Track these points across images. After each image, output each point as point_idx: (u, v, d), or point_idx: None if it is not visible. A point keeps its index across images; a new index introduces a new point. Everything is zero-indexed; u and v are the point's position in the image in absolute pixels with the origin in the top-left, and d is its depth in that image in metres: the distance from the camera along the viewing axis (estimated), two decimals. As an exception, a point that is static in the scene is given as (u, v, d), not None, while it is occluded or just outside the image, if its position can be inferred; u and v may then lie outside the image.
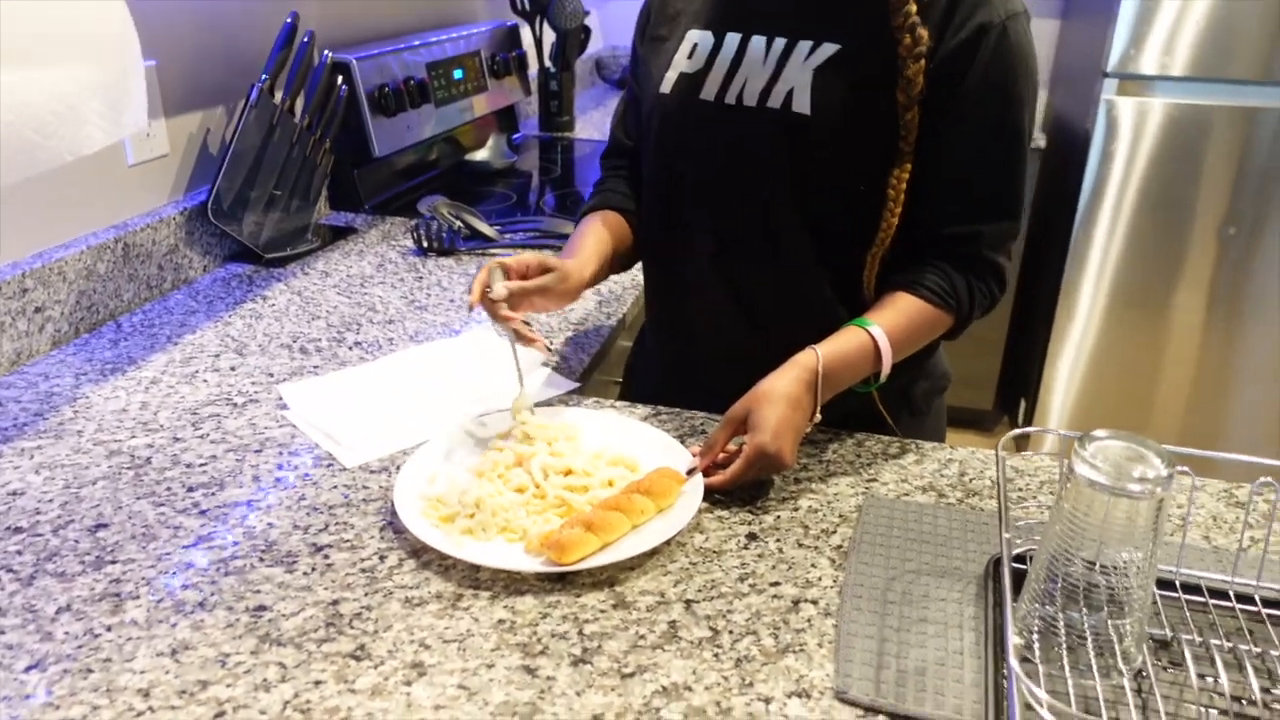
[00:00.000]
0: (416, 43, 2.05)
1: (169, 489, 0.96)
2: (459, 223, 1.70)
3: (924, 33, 0.98)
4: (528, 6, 2.58)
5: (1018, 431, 0.78)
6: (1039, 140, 2.75)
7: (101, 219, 1.39)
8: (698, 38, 1.11)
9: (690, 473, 0.95)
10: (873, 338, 1.01)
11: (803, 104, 1.02)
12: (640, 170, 1.22)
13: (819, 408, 0.99)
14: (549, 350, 1.11)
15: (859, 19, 1.02)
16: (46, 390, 1.16)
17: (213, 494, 0.95)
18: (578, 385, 1.18)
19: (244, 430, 1.07)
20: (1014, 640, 0.58)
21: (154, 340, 1.30)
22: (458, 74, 2.18)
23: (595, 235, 1.17)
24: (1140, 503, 0.66)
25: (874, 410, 1.13)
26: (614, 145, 1.28)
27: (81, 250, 1.30)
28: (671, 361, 1.24)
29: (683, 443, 1.02)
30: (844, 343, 1.01)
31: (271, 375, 1.20)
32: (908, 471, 1.01)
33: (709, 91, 1.09)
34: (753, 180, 1.08)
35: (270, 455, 1.02)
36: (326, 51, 1.67)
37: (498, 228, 1.73)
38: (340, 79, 1.72)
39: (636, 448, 1.01)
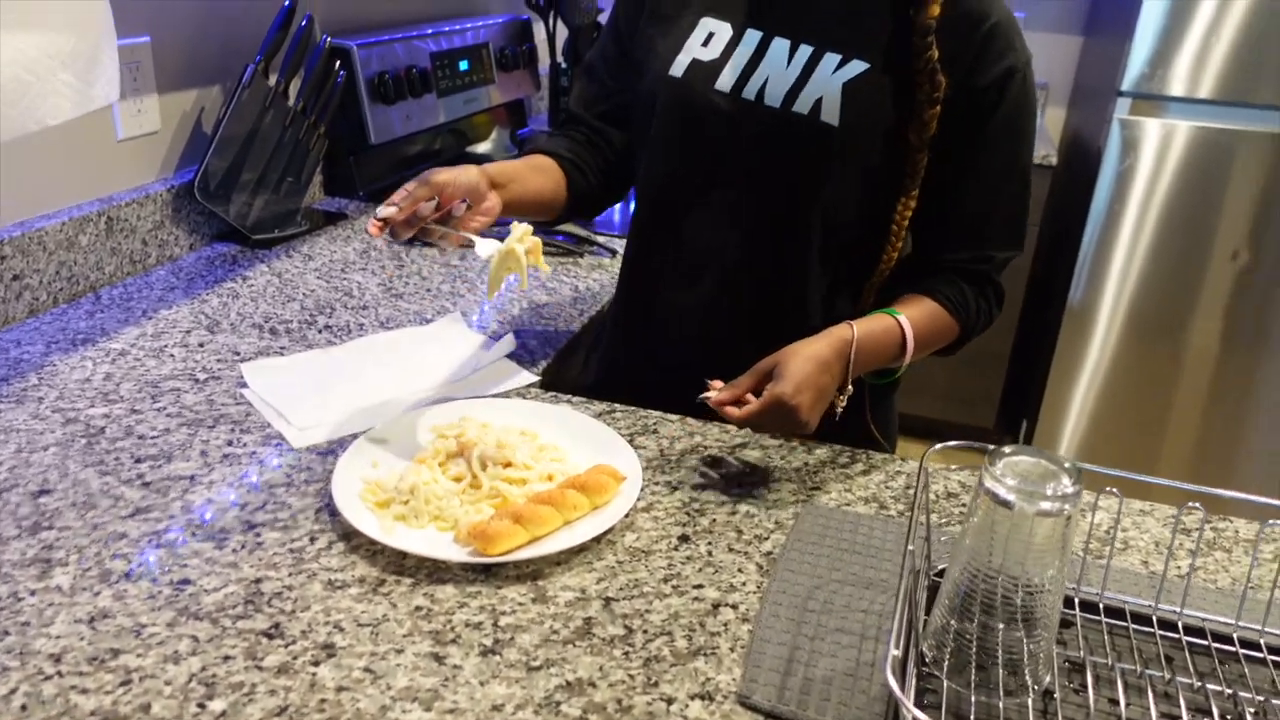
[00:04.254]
0: (428, 31, 2.07)
1: (117, 459, 0.97)
2: (448, 212, 1.70)
3: (943, 79, 1.01)
4: (541, 1, 2.59)
5: (942, 445, 0.77)
6: (1050, 158, 2.73)
7: (87, 191, 1.41)
8: (713, 26, 1.09)
9: (703, 399, 0.97)
10: (901, 327, 1.04)
11: (831, 114, 1.03)
12: (599, 140, 1.21)
13: (849, 380, 1.01)
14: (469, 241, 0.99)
15: (888, 43, 1.03)
16: (16, 357, 1.17)
17: (159, 467, 0.96)
18: (537, 379, 1.18)
19: (201, 406, 1.08)
20: (893, 653, 0.57)
21: (129, 314, 1.31)
22: (463, 65, 2.19)
23: (527, 163, 1.14)
24: (1048, 519, 0.65)
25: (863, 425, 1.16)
26: (571, 118, 1.25)
27: (64, 221, 1.32)
28: (631, 355, 1.24)
29: (632, 442, 1.02)
30: (877, 325, 1.04)
31: (238, 354, 1.21)
32: (853, 481, 1.01)
33: (725, 83, 1.07)
34: (765, 181, 1.08)
35: (222, 432, 1.03)
36: (326, 35, 1.69)
37: (487, 219, 1.73)
38: (339, 64, 1.73)
39: (583, 444, 1.01)
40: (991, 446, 0.74)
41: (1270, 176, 2.45)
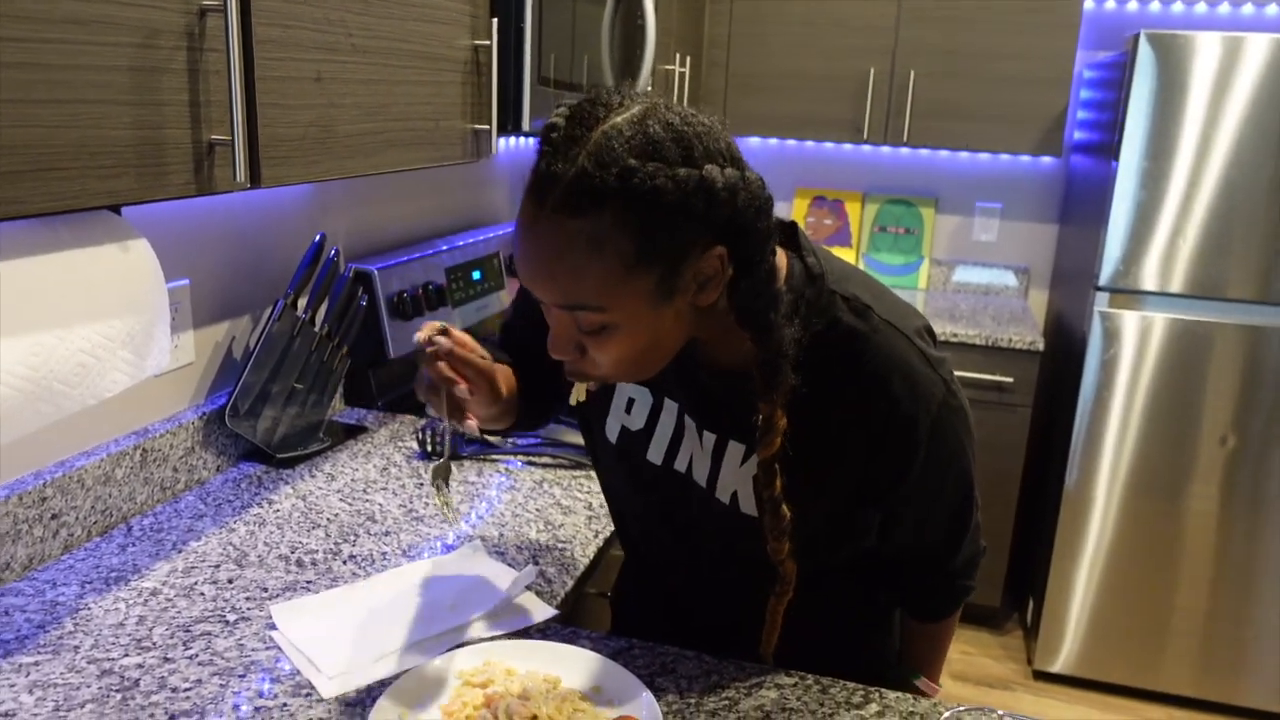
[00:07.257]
0: (443, 247, 2.20)
1: (151, 715, 1.00)
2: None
3: (778, 467, 0.96)
4: (548, 208, 2.75)
5: (951, 712, 0.81)
6: (1037, 344, 2.84)
7: (125, 425, 1.48)
8: (633, 392, 1.11)
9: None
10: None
11: (749, 506, 1.05)
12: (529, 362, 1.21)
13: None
14: (476, 431, 1.06)
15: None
16: (52, 599, 1.21)
17: (193, 724, 0.99)
18: (557, 613, 1.22)
19: (231, 652, 1.12)
20: None
21: (160, 547, 1.36)
22: (476, 275, 2.31)
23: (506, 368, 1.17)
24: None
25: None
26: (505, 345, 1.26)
27: (102, 458, 1.39)
28: (643, 591, 1.30)
29: (652, 683, 1.06)
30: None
31: (265, 590, 1.25)
32: (868, 723, 1.04)
33: (655, 454, 1.11)
34: (704, 537, 1.13)
35: (253, 681, 1.06)
36: (350, 265, 1.80)
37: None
38: (361, 289, 1.84)
39: (605, 689, 1.04)
40: (1000, 715, 0.78)
41: (1249, 366, 2.55)
